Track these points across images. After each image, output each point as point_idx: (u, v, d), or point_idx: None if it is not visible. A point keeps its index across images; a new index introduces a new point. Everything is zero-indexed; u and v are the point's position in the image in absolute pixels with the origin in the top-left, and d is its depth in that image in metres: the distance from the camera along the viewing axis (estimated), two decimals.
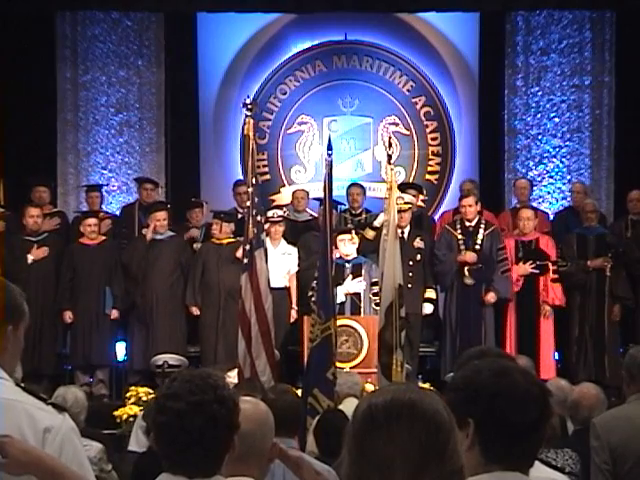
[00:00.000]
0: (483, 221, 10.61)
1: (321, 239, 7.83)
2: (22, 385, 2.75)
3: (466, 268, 10.29)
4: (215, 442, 2.46)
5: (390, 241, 8.02)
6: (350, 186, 11.53)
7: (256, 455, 2.96)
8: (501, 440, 2.19)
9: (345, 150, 13.02)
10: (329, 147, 8.01)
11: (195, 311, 10.44)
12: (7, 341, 2.74)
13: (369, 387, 8.32)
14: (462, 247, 10.38)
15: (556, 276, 10.46)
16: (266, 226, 9.64)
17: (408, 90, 13.19)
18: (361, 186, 11.60)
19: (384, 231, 8.27)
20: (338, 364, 7.74)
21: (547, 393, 2.28)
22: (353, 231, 10.13)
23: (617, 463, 4.22)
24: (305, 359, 8.82)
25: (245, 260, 8.59)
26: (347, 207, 11.33)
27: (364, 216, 11.21)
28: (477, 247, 10.36)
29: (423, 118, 13.19)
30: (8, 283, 2.80)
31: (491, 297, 10.30)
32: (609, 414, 4.48)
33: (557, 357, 10.57)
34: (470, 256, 10.31)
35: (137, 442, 6.97)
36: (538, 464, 2.65)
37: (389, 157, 8.85)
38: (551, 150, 12.96)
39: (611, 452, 4.22)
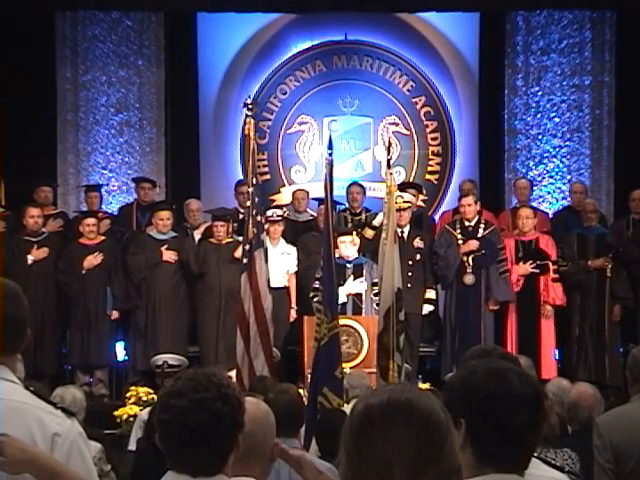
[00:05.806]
0: (483, 221, 10.60)
1: (324, 239, 7.81)
2: (31, 388, 2.76)
3: (470, 257, 10.28)
4: (218, 440, 2.44)
5: (389, 245, 8.00)
6: (350, 185, 11.54)
7: (257, 455, 2.95)
8: (493, 442, 2.19)
9: (345, 150, 13.00)
10: (329, 147, 7.99)
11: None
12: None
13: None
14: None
15: (556, 276, 10.44)
16: (265, 226, 9.63)
17: (408, 90, 13.17)
18: (361, 185, 11.60)
19: (383, 235, 8.25)
20: None
21: (541, 396, 2.27)
22: (354, 232, 10.12)
23: (619, 462, 4.22)
24: (306, 359, 8.82)
25: (245, 260, 8.58)
26: (347, 206, 11.33)
27: (364, 215, 11.21)
28: (478, 236, 10.39)
29: (423, 118, 13.18)
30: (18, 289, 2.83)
31: (492, 305, 10.33)
32: (612, 414, 4.47)
33: (557, 357, 10.56)
34: (473, 243, 10.31)
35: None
36: (538, 463, 2.65)
37: (388, 162, 8.83)
38: (551, 150, 12.94)
39: (613, 451, 4.22)
